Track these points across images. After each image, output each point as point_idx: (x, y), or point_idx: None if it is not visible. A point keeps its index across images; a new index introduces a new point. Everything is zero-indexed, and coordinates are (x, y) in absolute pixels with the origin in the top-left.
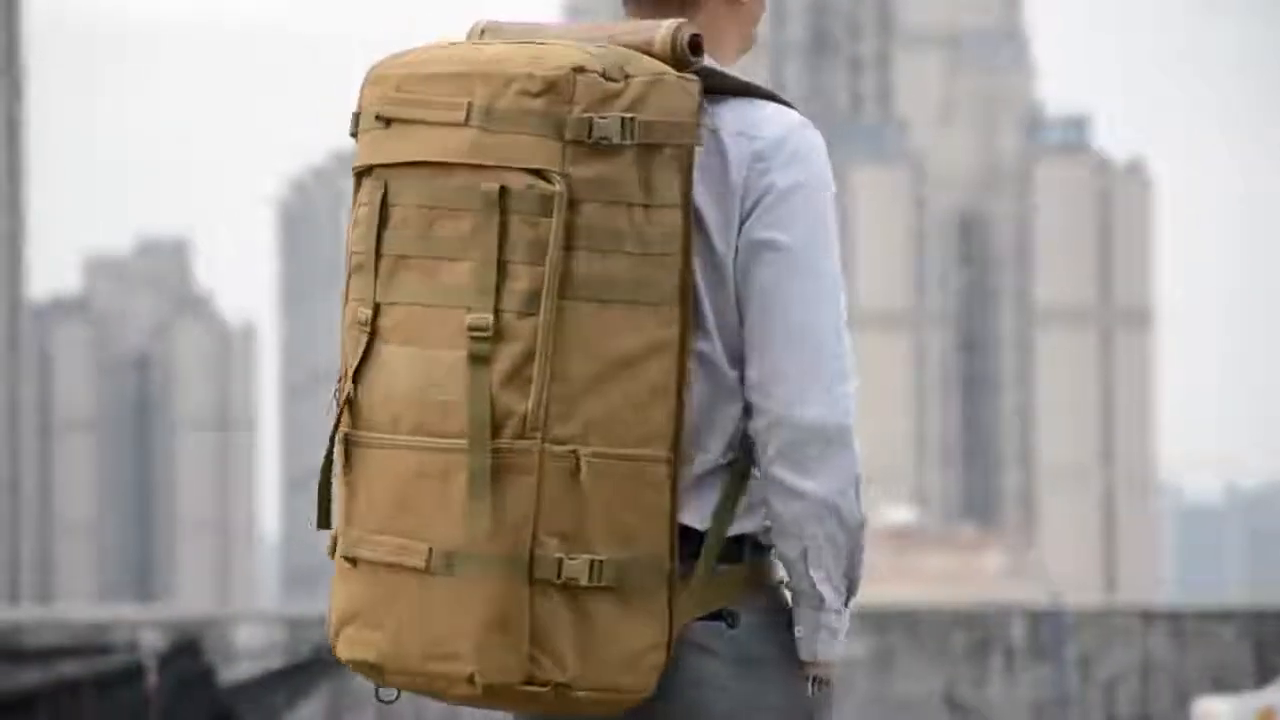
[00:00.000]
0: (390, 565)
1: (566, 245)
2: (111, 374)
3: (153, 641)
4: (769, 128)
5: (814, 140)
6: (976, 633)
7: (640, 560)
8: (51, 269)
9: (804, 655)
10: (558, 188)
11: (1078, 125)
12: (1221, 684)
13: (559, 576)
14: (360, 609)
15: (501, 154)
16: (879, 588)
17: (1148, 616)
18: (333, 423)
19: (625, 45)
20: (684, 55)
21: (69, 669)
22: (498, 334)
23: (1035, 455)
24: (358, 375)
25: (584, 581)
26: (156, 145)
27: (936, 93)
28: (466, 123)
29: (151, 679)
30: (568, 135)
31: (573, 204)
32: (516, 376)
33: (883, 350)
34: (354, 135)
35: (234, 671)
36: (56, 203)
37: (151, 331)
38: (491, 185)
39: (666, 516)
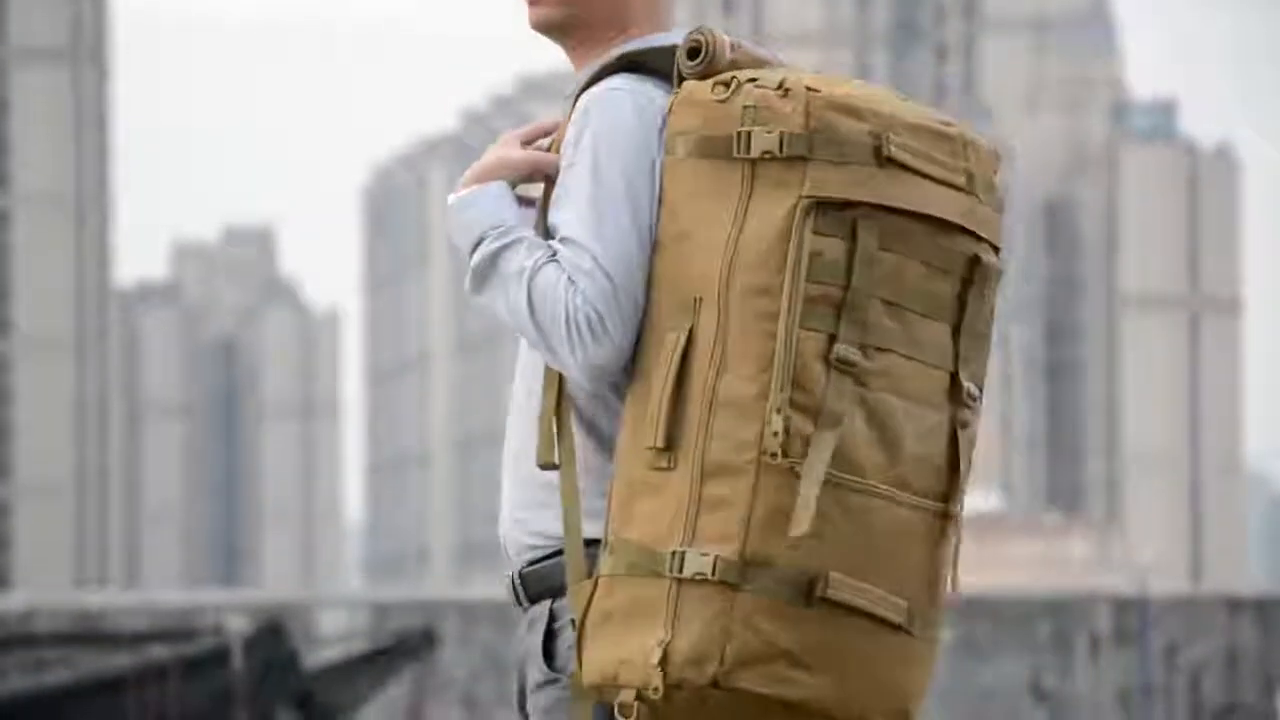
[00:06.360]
0: (865, 614)
1: None
2: (198, 360)
3: (238, 626)
4: None
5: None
6: (1061, 621)
7: None
8: (139, 256)
9: None
10: (1001, 264)
11: (1165, 110)
12: None
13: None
14: (800, 649)
15: (987, 225)
16: (963, 576)
17: (1234, 605)
18: (770, 448)
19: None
20: None
21: (156, 653)
22: (977, 404)
23: (1121, 443)
24: (837, 412)
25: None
26: (243, 134)
27: (1022, 79)
28: (969, 189)
29: (236, 662)
30: (1003, 213)
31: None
32: (973, 447)
33: None
34: (797, 158)
35: (318, 656)
36: (145, 191)
37: (238, 318)
38: (990, 258)
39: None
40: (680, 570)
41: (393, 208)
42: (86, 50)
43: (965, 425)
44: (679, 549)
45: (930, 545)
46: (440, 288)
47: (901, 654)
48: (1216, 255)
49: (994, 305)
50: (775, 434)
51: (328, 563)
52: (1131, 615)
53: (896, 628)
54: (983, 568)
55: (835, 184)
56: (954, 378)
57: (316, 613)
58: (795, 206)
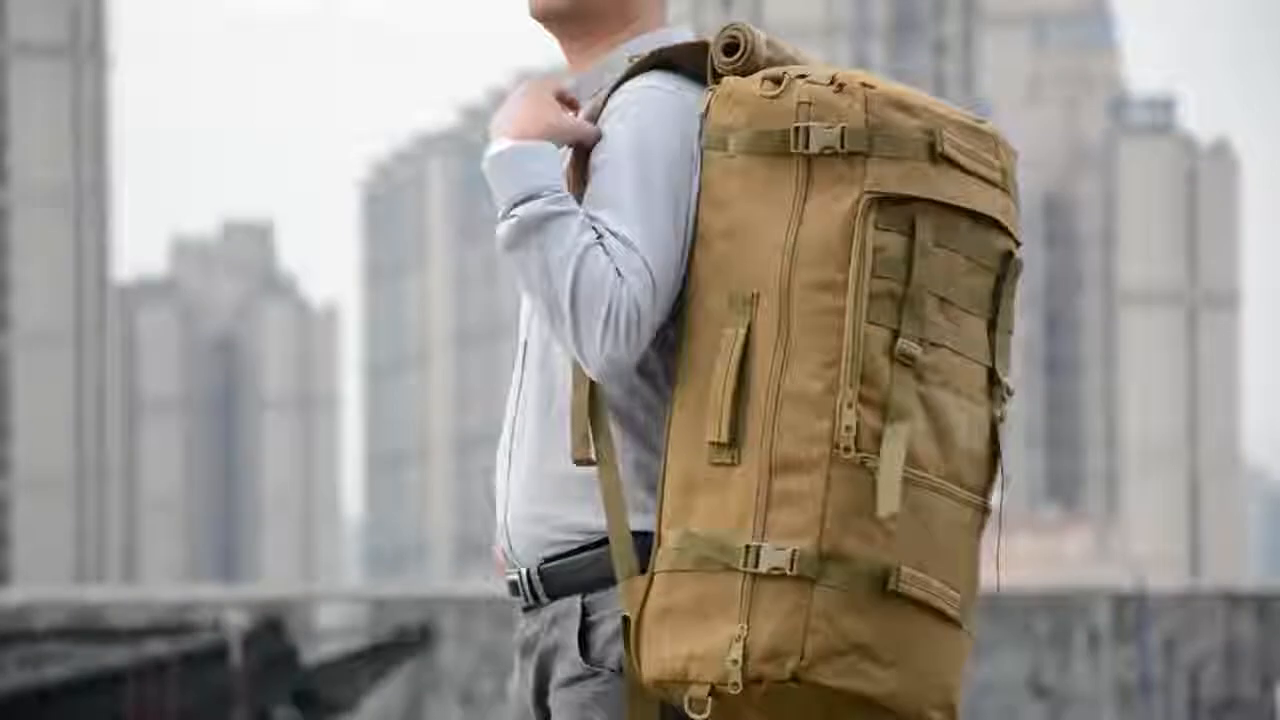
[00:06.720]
0: (924, 606)
1: None
2: (196, 355)
3: (237, 621)
4: None
5: None
6: (1060, 616)
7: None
8: (138, 251)
9: None
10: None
11: (1164, 106)
12: None
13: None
14: (877, 643)
15: (1016, 221)
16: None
17: (1232, 599)
18: (842, 440)
19: None
20: None
21: (155, 648)
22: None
23: (1119, 438)
24: (905, 407)
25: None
26: (242, 130)
27: (1021, 74)
28: (1004, 186)
29: (235, 658)
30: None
31: None
32: (1000, 439)
33: None
34: (856, 154)
35: (317, 651)
36: (144, 187)
37: (236, 313)
38: (1014, 250)
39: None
40: (756, 565)
41: (391, 203)
42: (86, 45)
43: (1002, 419)
44: (753, 544)
45: (975, 538)
46: (439, 283)
47: (954, 647)
48: (1215, 250)
49: (1016, 293)
50: (849, 428)
51: (326, 558)
52: (1130, 610)
53: (950, 620)
54: (981, 563)
55: (894, 179)
56: (991, 372)
57: (315, 608)
58: (858, 202)
